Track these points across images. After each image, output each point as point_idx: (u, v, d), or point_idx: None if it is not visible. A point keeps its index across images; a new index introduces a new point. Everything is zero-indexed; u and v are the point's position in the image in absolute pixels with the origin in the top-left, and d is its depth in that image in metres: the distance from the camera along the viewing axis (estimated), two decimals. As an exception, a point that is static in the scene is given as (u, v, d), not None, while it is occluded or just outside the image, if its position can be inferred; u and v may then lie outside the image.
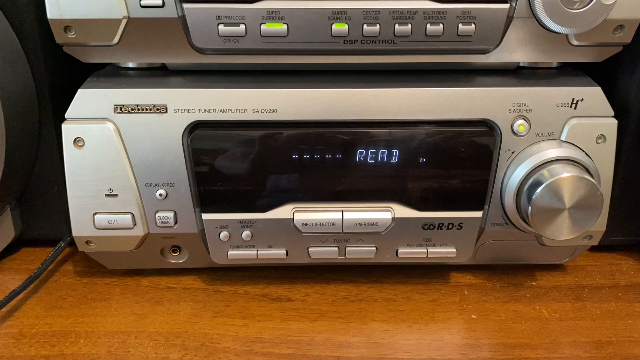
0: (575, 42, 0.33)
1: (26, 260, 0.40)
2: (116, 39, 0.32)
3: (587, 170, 0.33)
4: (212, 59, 0.33)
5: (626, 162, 0.37)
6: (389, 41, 0.32)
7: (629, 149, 0.37)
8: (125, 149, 0.33)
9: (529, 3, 0.31)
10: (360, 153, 0.34)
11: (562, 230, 0.33)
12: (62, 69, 0.36)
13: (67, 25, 0.32)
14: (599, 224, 0.35)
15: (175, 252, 0.37)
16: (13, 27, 0.35)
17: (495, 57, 0.33)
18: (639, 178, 0.37)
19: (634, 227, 0.39)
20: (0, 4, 0.34)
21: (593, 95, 0.34)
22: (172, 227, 0.34)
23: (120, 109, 0.33)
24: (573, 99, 0.34)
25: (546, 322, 0.34)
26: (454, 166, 0.34)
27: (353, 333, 0.33)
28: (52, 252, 0.38)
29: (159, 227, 0.34)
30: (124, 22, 0.31)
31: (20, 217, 0.39)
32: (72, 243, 0.39)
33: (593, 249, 0.39)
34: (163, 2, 0.31)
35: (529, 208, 0.33)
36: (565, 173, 0.32)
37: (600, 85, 0.35)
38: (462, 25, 0.31)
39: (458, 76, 0.35)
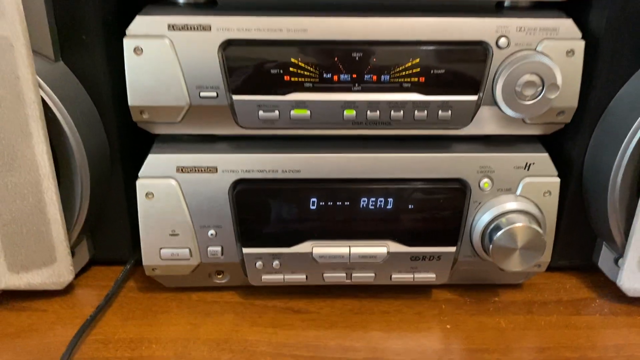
0: (528, 122, 0.44)
1: (97, 278, 0.50)
2: (179, 119, 0.42)
3: (536, 219, 0.44)
4: (252, 132, 0.43)
5: (569, 205, 0.48)
6: (386, 123, 0.42)
7: (572, 193, 0.48)
8: (185, 200, 0.43)
9: (493, 96, 0.41)
10: (364, 202, 0.44)
11: (515, 264, 0.43)
12: (130, 133, 0.46)
13: (143, 110, 0.42)
14: (545, 257, 0.45)
15: (220, 275, 0.47)
16: (93, 100, 0.45)
17: (467, 131, 0.43)
18: (578, 218, 0.48)
19: (576, 254, 0.50)
20: (82, 81, 0.44)
21: (542, 160, 0.44)
22: (219, 258, 0.45)
23: (181, 169, 0.43)
24: (526, 163, 0.44)
25: (503, 331, 0.45)
26: (435, 213, 0.45)
27: (357, 339, 0.44)
28: (122, 273, 0.48)
29: (209, 258, 0.45)
30: (186, 107, 0.41)
31: (93, 244, 0.50)
32: (135, 264, 0.50)
33: (547, 268, 0.50)
34: (217, 94, 0.41)
35: (491, 246, 0.43)
36: (519, 222, 0.43)
37: (550, 148, 0.45)
38: (442, 112, 0.42)
39: (439, 143, 0.45)
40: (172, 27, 0.40)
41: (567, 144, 0.47)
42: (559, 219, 0.47)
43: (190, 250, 0.44)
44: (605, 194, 0.44)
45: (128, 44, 0.40)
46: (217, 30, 0.40)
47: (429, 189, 0.44)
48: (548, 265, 0.48)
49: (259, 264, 0.45)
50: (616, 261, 0.47)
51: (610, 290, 0.48)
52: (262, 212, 0.44)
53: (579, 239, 0.49)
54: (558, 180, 0.44)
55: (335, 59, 0.41)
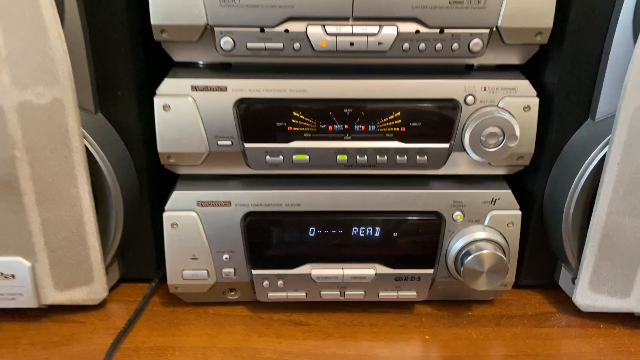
0: (493, 164, 0.51)
1: (126, 294, 0.58)
2: (200, 162, 0.50)
3: (501, 246, 0.52)
4: (260, 172, 0.51)
5: (533, 233, 0.55)
6: (373, 165, 0.50)
7: (535, 223, 0.55)
8: (204, 230, 0.51)
9: (462, 144, 0.49)
10: (355, 230, 0.52)
11: (482, 284, 0.51)
12: (157, 172, 0.54)
13: (170, 155, 0.50)
14: (509, 278, 0.53)
15: (232, 292, 0.55)
16: (126, 145, 0.53)
17: (442, 171, 0.51)
18: (541, 243, 0.56)
19: (540, 274, 0.57)
20: (117, 130, 0.52)
21: (505, 196, 0.52)
22: (232, 278, 0.53)
23: (201, 204, 0.51)
24: (492, 198, 0.52)
25: (474, 341, 0.53)
26: (415, 240, 0.52)
27: (349, 348, 0.52)
28: (148, 290, 0.56)
29: (224, 278, 0.53)
30: (206, 153, 0.49)
31: (123, 265, 0.58)
32: (159, 282, 0.58)
33: (514, 287, 0.57)
34: (232, 142, 0.49)
35: (462, 269, 0.51)
36: (485, 249, 0.50)
37: (514, 185, 0.53)
38: (419, 157, 0.50)
39: (418, 181, 0.53)
40: (194, 88, 0.48)
41: (530, 182, 0.55)
42: (525, 244, 0.55)
43: (207, 271, 0.52)
44: (560, 224, 0.52)
45: (158, 102, 0.48)
46: (232, 90, 0.48)
47: (410, 220, 0.52)
48: (516, 283, 0.56)
49: (265, 283, 0.53)
50: (573, 280, 0.55)
51: (568, 305, 0.55)
52: (269, 240, 0.52)
53: (542, 261, 0.57)
54: (519, 213, 0.52)
55: (330, 113, 0.49)
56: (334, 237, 0.52)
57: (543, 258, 0.57)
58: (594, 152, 0.49)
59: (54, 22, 0.43)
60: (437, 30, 0.46)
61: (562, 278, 0.57)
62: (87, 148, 0.48)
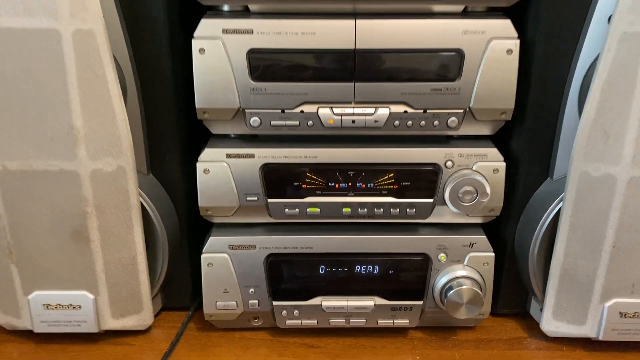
0: (469, 215, 0.63)
1: (167, 321, 0.69)
2: (232, 214, 0.62)
3: (478, 283, 0.62)
4: (280, 221, 0.63)
5: (507, 269, 0.66)
6: (371, 216, 0.61)
7: (508, 261, 0.66)
8: (234, 268, 0.63)
9: (444, 199, 0.61)
10: (357, 269, 0.63)
11: (462, 314, 0.62)
12: (195, 222, 0.66)
13: (208, 209, 0.61)
14: (485, 308, 0.64)
15: (256, 319, 0.66)
16: (172, 200, 0.64)
17: (428, 220, 0.62)
18: (514, 278, 0.66)
19: (514, 304, 0.68)
20: (165, 187, 0.64)
21: (481, 241, 0.63)
22: (257, 308, 0.64)
23: (232, 247, 0.62)
24: (470, 242, 0.63)
25: (456, 361, 0.64)
26: (407, 277, 0.63)
27: (353, 366, 0.63)
28: (186, 317, 0.67)
29: (250, 308, 0.64)
30: (237, 207, 0.61)
31: (164, 296, 0.69)
32: (194, 310, 0.69)
33: (493, 315, 0.68)
34: (258, 198, 0.61)
35: (445, 301, 0.62)
36: (464, 285, 0.61)
37: (491, 231, 0.64)
38: (409, 209, 0.61)
39: (409, 228, 0.64)
40: (228, 155, 0.60)
41: (502, 229, 0.66)
42: (501, 279, 0.66)
43: (236, 302, 0.63)
44: (528, 263, 0.63)
45: (200, 167, 0.60)
46: (258, 157, 0.60)
47: (403, 260, 0.63)
48: (494, 312, 0.67)
49: (284, 312, 0.64)
50: (541, 310, 0.65)
51: (538, 331, 0.65)
52: (287, 276, 0.63)
53: (516, 294, 0.68)
54: (493, 255, 0.63)
55: (337, 174, 0.60)
56: (340, 274, 0.63)
57: (516, 291, 0.67)
58: (552, 206, 0.60)
59: (121, 108, 0.55)
60: (422, 111, 0.58)
61: (533, 308, 0.67)
62: (141, 203, 0.60)
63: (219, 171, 0.60)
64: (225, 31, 0.56)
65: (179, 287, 0.69)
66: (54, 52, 0.51)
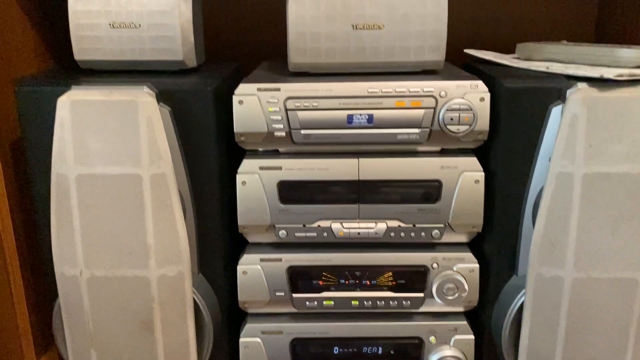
0: (453, 305, 0.78)
1: (209, 392, 0.84)
2: (263, 306, 0.78)
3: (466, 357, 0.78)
4: (302, 311, 0.78)
5: (486, 347, 0.81)
6: (375, 307, 0.77)
7: (487, 341, 0.81)
8: (264, 349, 0.78)
9: (431, 293, 0.76)
10: (365, 349, 0.79)
11: (449, 386, 0.77)
12: (233, 311, 0.82)
13: (246, 302, 0.77)
14: (469, 381, 0.79)
15: (282, 392, 0.81)
16: (215, 294, 0.81)
17: (421, 309, 0.78)
18: (492, 355, 0.81)
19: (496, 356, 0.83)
20: (211, 284, 0.80)
21: (463, 326, 0.78)
22: (283, 382, 0.79)
23: (262, 332, 0.78)
24: (455, 328, 0.78)
25: None
26: (405, 356, 0.78)
27: None
28: (225, 390, 0.82)
29: None
30: (268, 300, 0.77)
31: (207, 372, 0.84)
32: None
33: (478, 386, 0.82)
34: (284, 293, 0.77)
35: (436, 376, 0.77)
36: (450, 362, 0.76)
37: (471, 317, 0.79)
38: (404, 302, 0.77)
39: (406, 316, 0.79)
40: (262, 260, 0.76)
41: (481, 315, 0.81)
42: (482, 354, 0.81)
43: (267, 379, 0.79)
44: (501, 342, 0.78)
45: (240, 269, 0.77)
46: (284, 261, 0.76)
47: (400, 342, 0.78)
48: (478, 383, 0.82)
49: (305, 386, 0.79)
50: (516, 381, 0.80)
51: (514, 400, 0.80)
52: (307, 354, 0.78)
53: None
54: (473, 337, 0.78)
55: (347, 273, 0.77)
56: (351, 354, 0.79)
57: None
58: (517, 298, 0.76)
59: (182, 227, 0.72)
60: (411, 225, 0.75)
61: (508, 379, 0.82)
62: (193, 298, 0.76)
63: (254, 272, 0.77)
64: (261, 168, 0.74)
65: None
66: (136, 190, 0.69)
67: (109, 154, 0.69)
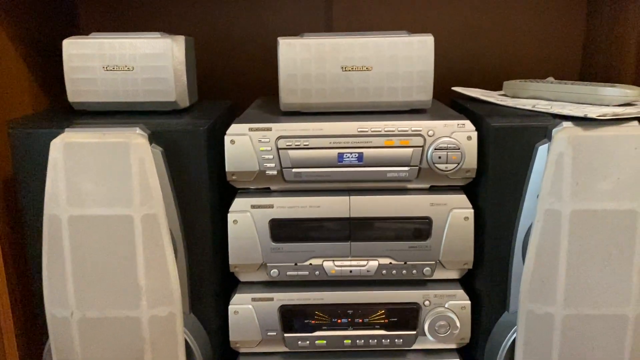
0: (445, 342, 0.78)
1: None
2: (255, 345, 0.77)
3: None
4: (294, 350, 0.78)
5: (480, 386, 0.81)
6: (367, 345, 0.77)
7: (482, 379, 0.81)
8: (257, 390, 0.77)
9: (424, 331, 0.76)
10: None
11: None
12: (225, 350, 0.81)
13: (237, 342, 0.77)
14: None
15: None
16: (207, 333, 0.80)
17: (413, 347, 0.78)
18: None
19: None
20: (201, 323, 0.80)
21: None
22: (276, 423, 0.78)
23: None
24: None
25: None
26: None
27: None
28: None
29: (270, 423, 0.78)
30: (260, 340, 0.77)
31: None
32: None
33: None
34: (276, 333, 0.76)
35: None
36: (443, 401, 0.76)
37: (463, 353, 0.79)
38: (396, 340, 0.77)
39: (399, 354, 0.79)
40: (253, 299, 0.76)
41: (473, 352, 0.81)
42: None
43: (259, 419, 0.78)
44: (496, 381, 0.78)
45: (231, 308, 0.76)
46: (276, 300, 0.76)
47: (393, 380, 0.78)
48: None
49: None
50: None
51: None
52: None
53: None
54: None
55: (339, 312, 0.77)
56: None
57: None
58: (509, 334, 0.76)
59: (173, 267, 0.72)
60: (403, 262, 0.75)
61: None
62: (185, 338, 0.76)
63: (245, 312, 0.76)
64: (253, 206, 0.75)
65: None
66: (127, 231, 0.69)
67: (101, 195, 0.69)
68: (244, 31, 1.09)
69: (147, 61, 0.76)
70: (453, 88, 0.96)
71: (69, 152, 0.69)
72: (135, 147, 0.68)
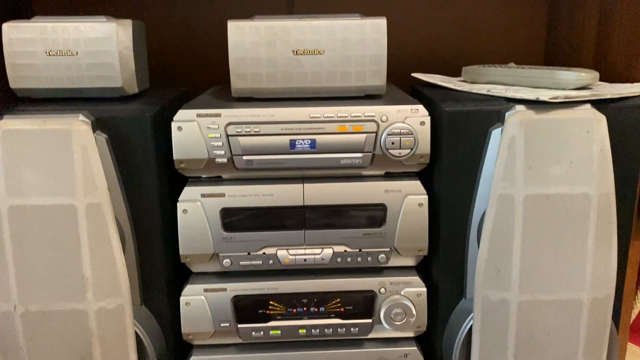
0: (402, 331, 0.77)
1: None
2: (208, 337, 0.76)
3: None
4: (248, 341, 0.77)
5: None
6: (322, 335, 0.76)
7: (441, 366, 0.80)
8: (211, 383, 0.76)
9: (379, 319, 0.75)
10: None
11: (400, 415, 0.75)
12: (178, 344, 0.79)
13: (190, 337, 0.75)
14: (421, 409, 0.77)
15: None
16: (160, 326, 0.78)
17: (370, 335, 0.77)
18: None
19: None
20: (154, 315, 0.78)
21: (413, 352, 0.77)
22: None
23: (209, 365, 0.76)
24: (405, 353, 0.77)
25: None
26: (355, 384, 0.77)
27: None
28: None
29: None
30: (213, 331, 0.75)
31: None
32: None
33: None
34: (229, 324, 0.75)
35: (387, 404, 0.75)
36: (400, 389, 0.75)
37: (422, 343, 0.78)
38: (353, 328, 0.75)
39: (355, 343, 0.78)
40: (206, 290, 0.74)
41: (431, 340, 0.80)
42: (436, 381, 0.80)
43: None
44: (453, 368, 0.77)
45: (182, 299, 0.75)
46: (229, 290, 0.75)
47: (350, 370, 0.77)
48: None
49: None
50: (469, 407, 0.79)
51: None
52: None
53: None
54: (423, 362, 0.77)
55: (294, 301, 0.75)
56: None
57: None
58: (466, 321, 0.75)
59: (120, 258, 0.70)
60: (357, 250, 0.74)
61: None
62: (135, 331, 0.74)
63: (198, 303, 0.74)
64: (203, 195, 0.73)
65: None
66: (71, 221, 0.67)
67: (43, 185, 0.66)
68: (202, 17, 1.06)
69: (91, 46, 0.73)
70: (412, 74, 0.95)
71: (7, 139, 0.66)
72: (77, 134, 0.66)
